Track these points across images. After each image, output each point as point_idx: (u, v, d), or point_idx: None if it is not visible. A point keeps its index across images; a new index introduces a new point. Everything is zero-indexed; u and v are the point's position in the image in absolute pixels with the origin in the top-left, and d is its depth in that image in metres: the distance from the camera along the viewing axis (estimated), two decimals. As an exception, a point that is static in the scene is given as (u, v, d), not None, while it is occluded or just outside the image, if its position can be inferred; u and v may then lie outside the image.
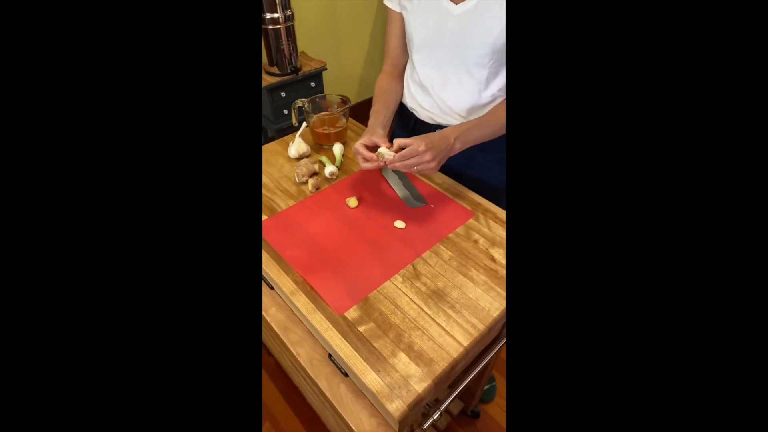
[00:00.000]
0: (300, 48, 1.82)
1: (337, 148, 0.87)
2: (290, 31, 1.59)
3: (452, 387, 0.70)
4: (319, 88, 1.80)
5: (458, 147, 0.72)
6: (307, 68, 1.74)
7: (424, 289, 0.63)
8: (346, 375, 0.58)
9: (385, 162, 0.70)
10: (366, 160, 0.73)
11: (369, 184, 0.82)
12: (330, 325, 0.58)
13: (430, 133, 0.71)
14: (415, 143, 0.68)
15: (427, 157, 0.67)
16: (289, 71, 1.68)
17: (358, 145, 0.72)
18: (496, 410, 1.23)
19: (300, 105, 0.89)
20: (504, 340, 0.74)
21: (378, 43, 2.20)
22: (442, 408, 0.67)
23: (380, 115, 0.81)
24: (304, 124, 0.89)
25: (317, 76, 1.78)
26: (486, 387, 1.23)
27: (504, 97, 0.81)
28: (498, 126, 0.76)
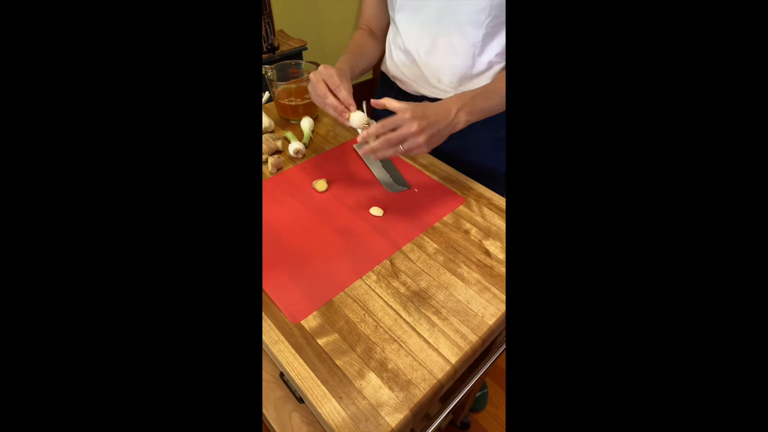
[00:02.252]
0: (278, 26, 1.68)
1: (306, 123, 0.74)
2: (266, 4, 1.45)
3: (444, 400, 0.58)
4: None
5: (464, 119, 0.56)
6: (285, 47, 1.61)
7: (403, 289, 0.51)
8: (301, 401, 0.46)
9: (359, 135, 0.56)
10: (319, 95, 0.56)
11: (342, 163, 0.69)
12: (281, 337, 0.46)
13: (426, 102, 0.56)
14: (401, 110, 0.52)
15: (414, 127, 0.51)
16: (264, 50, 1.54)
17: (322, 70, 0.56)
18: (488, 420, 1.12)
19: (263, 73, 0.76)
20: (504, 347, 0.62)
21: (364, 25, 2.06)
22: (434, 426, 0.55)
23: (349, 61, 0.66)
24: (267, 94, 0.76)
25: (297, 55, 1.64)
26: (477, 395, 1.12)
27: (503, 63, 0.68)
28: (505, 96, 0.62)
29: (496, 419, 1.13)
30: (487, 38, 0.64)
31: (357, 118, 0.55)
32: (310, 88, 0.58)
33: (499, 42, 0.65)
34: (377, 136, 0.53)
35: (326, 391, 0.41)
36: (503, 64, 0.68)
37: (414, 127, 0.51)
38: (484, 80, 0.69)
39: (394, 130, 0.52)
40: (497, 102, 0.61)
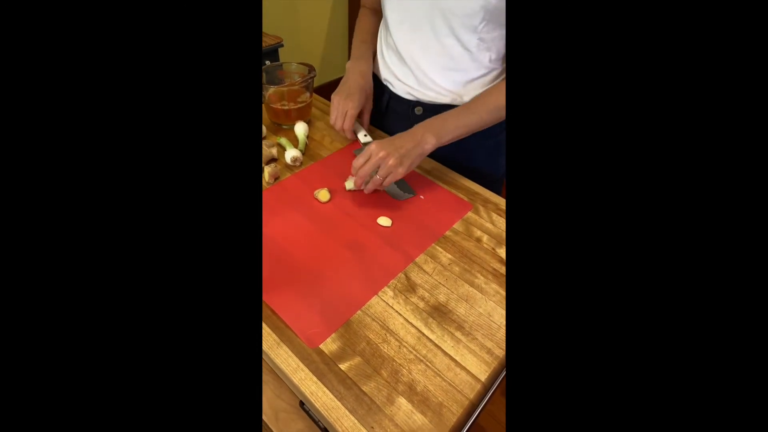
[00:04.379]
0: (251, 21, 1.61)
1: (300, 128, 0.70)
2: None
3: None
4: (276, 66, 1.60)
5: (431, 140, 0.58)
6: (260, 44, 1.54)
7: (422, 305, 0.49)
8: (325, 431, 0.43)
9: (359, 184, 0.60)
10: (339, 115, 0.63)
11: (343, 171, 0.66)
12: (300, 364, 0.43)
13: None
14: (368, 146, 0.56)
15: (381, 153, 0.55)
16: (239, 46, 1.47)
17: (350, 108, 0.64)
18: (486, 419, 1.13)
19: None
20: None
21: (339, 18, 2.01)
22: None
23: (367, 57, 0.71)
24: (257, 98, 0.71)
25: (273, 53, 1.58)
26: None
27: (500, 68, 0.67)
28: (486, 113, 0.61)
29: (493, 417, 1.14)
30: (483, 43, 0.62)
31: (350, 183, 0.62)
32: (335, 102, 0.66)
33: (497, 47, 0.63)
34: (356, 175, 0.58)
35: (356, 421, 0.39)
36: (501, 69, 0.67)
37: (381, 152, 0.55)
38: (481, 85, 0.67)
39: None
40: (474, 120, 0.61)
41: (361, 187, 0.59)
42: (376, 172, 0.57)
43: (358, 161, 0.56)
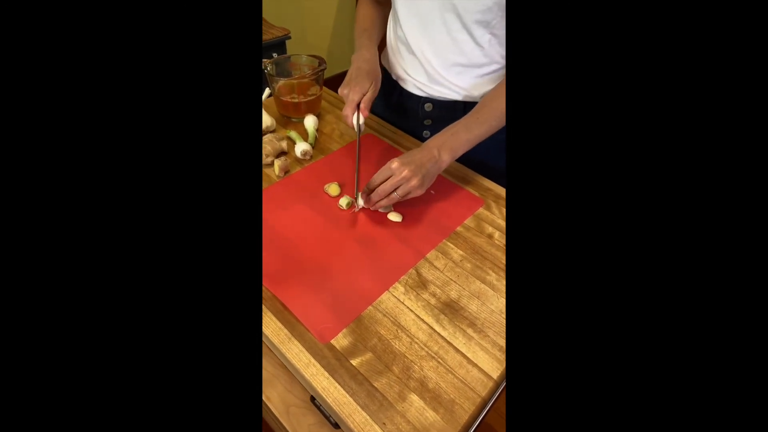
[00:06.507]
0: (259, 13, 1.60)
1: (310, 121, 0.70)
2: (246, -10, 1.36)
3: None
4: (283, 59, 1.59)
5: (447, 158, 0.56)
6: (267, 36, 1.53)
7: (433, 301, 0.48)
8: (336, 426, 0.43)
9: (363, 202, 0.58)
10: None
11: (352, 165, 0.66)
12: (312, 360, 0.42)
13: (409, 152, 0.57)
14: (387, 164, 0.54)
15: (405, 172, 0.52)
16: (246, 38, 1.46)
17: (353, 98, 0.60)
18: (493, 416, 1.13)
19: (262, 67, 0.71)
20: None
21: (347, 10, 1.99)
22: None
23: (371, 48, 0.66)
24: (267, 91, 0.71)
25: (280, 45, 1.56)
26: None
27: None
28: (494, 120, 0.60)
29: (496, 411, 1.15)
30: (495, 38, 0.61)
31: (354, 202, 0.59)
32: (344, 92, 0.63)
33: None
34: (372, 191, 0.55)
35: (368, 417, 0.39)
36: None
37: (405, 172, 0.52)
38: (492, 80, 0.66)
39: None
40: (484, 129, 0.59)
41: (370, 206, 0.56)
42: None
43: (377, 178, 0.54)
